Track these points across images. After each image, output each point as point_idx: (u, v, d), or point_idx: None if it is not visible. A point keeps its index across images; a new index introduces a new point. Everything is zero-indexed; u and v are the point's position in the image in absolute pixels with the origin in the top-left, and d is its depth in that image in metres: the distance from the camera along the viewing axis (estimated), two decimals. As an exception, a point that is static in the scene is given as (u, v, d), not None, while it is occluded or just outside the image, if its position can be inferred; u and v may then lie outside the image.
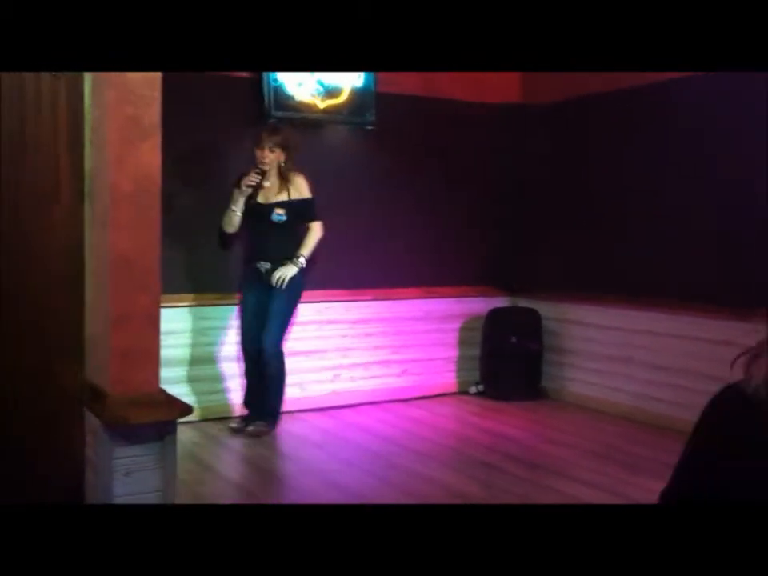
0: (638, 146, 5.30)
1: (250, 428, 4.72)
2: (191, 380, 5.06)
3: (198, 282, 5.07)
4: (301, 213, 4.76)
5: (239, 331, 4.93)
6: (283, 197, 4.74)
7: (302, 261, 4.72)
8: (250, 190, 4.68)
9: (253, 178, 4.64)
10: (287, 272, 4.67)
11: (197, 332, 5.09)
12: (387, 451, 4.54)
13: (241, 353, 4.93)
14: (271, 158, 4.67)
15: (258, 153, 4.67)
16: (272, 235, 4.74)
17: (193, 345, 5.07)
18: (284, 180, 4.74)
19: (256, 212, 4.73)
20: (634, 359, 5.30)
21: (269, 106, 5.10)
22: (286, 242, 4.75)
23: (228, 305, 5.13)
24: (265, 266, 4.74)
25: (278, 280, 4.66)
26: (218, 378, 5.16)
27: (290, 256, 4.71)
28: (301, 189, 4.76)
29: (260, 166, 4.66)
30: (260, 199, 4.75)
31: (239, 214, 4.71)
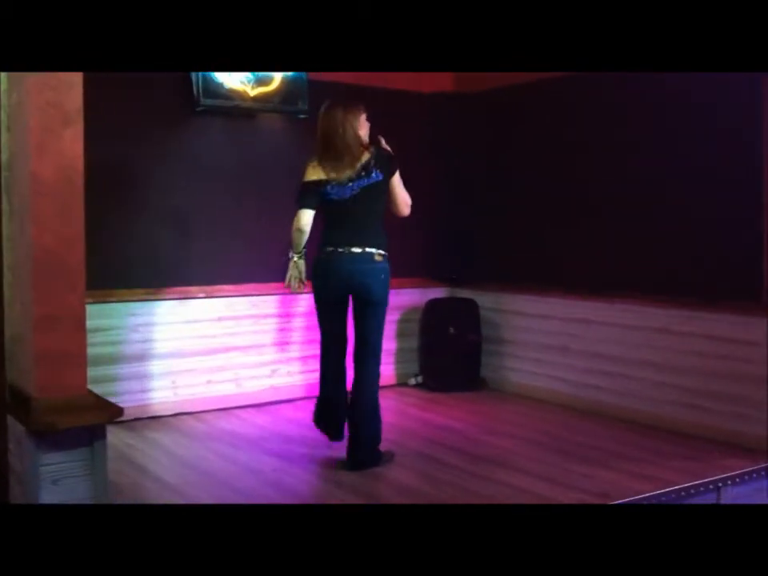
0: (574, 133, 5.28)
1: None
2: (123, 378, 4.88)
3: (126, 276, 4.89)
4: None
5: None
6: None
7: (290, 255, 4.16)
8: None
9: None
10: None
11: (127, 329, 4.91)
12: (329, 447, 4.44)
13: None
14: None
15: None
16: None
17: (123, 342, 4.90)
18: None
19: None
20: (571, 348, 5.30)
21: (198, 94, 4.93)
22: None
23: (156, 300, 4.97)
24: None
25: None
26: (150, 376, 4.99)
27: None
28: None
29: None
30: None
31: None
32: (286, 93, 5.21)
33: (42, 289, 2.39)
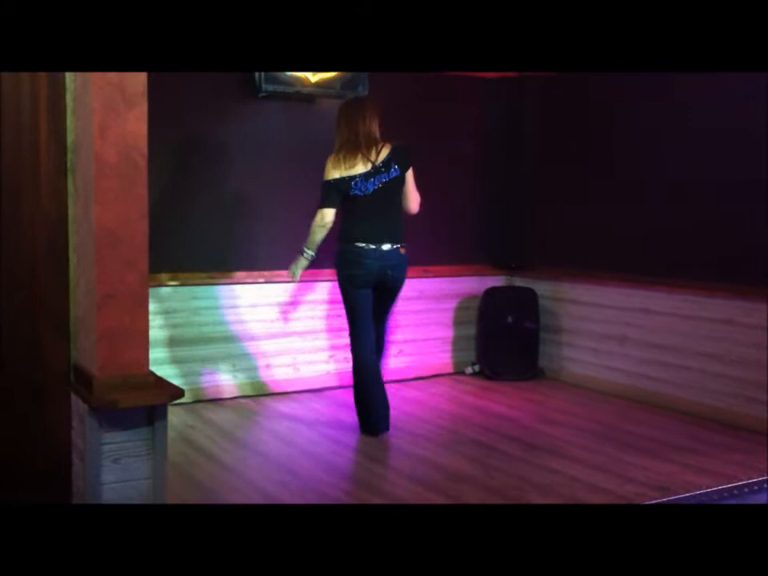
0: (632, 117, 5.18)
1: None
2: (185, 360, 4.96)
3: (189, 259, 4.96)
4: None
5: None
6: None
7: (305, 253, 4.35)
8: None
9: None
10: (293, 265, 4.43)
11: (188, 312, 4.99)
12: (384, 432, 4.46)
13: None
14: None
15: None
16: None
17: (185, 325, 4.98)
18: None
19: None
20: (630, 338, 5.22)
21: (259, 80, 4.95)
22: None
23: (218, 284, 5.04)
24: None
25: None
26: (214, 359, 5.06)
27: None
28: None
29: None
30: None
31: None
32: (347, 78, 5.20)
33: (104, 269, 2.43)
